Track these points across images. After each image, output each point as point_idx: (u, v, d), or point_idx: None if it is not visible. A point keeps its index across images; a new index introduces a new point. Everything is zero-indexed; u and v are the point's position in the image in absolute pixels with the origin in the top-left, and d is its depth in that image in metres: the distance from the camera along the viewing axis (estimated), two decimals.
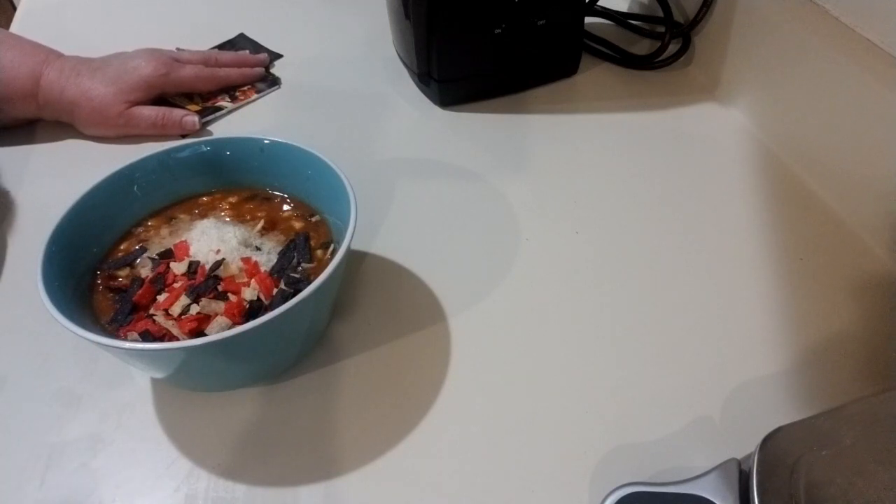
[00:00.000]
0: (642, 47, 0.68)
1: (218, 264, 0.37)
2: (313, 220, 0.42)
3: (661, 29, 0.64)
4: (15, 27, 0.74)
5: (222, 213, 0.43)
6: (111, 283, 0.39)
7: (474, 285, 0.44)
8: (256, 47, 0.69)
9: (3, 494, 0.34)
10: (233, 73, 0.63)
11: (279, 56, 0.68)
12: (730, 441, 0.36)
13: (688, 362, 0.40)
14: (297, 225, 0.42)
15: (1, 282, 0.45)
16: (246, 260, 0.38)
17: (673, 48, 0.64)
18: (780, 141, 0.55)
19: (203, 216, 0.43)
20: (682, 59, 0.65)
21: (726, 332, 0.41)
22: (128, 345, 0.31)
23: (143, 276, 0.38)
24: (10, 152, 0.56)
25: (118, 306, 0.37)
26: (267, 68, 0.66)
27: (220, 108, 0.60)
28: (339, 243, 0.40)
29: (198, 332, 0.35)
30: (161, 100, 0.59)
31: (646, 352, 0.40)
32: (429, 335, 0.41)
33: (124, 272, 0.39)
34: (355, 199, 0.38)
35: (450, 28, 0.56)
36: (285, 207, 0.44)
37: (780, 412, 0.37)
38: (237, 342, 0.32)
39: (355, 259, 0.46)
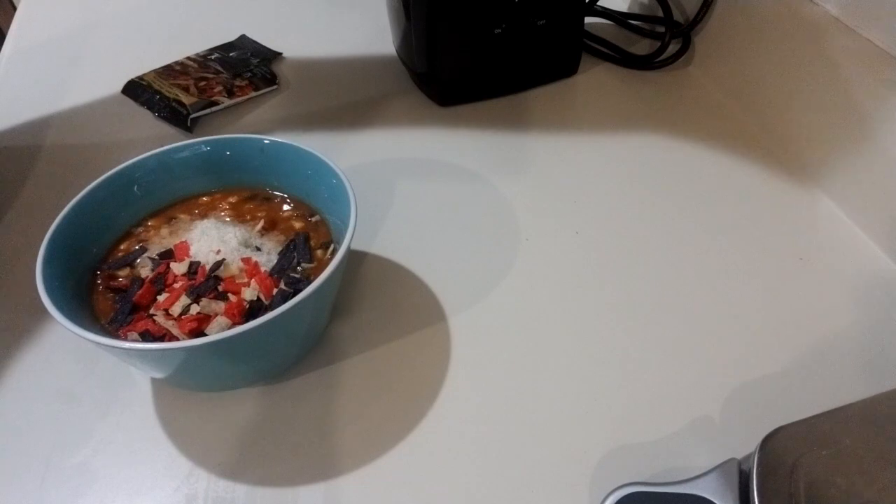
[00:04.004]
0: (642, 47, 0.68)
1: (218, 264, 0.38)
2: (313, 220, 0.42)
3: (661, 29, 0.64)
4: (15, 27, 0.74)
5: (222, 213, 0.43)
6: (111, 283, 0.39)
7: (474, 285, 0.44)
8: (257, 47, 0.69)
9: (4, 494, 0.34)
10: None
11: (279, 55, 0.68)
12: (730, 441, 0.36)
13: (688, 362, 0.40)
14: (297, 225, 0.42)
15: (1, 282, 0.45)
16: (246, 260, 0.38)
17: (673, 48, 0.64)
18: (779, 141, 0.55)
19: (203, 216, 0.43)
20: (682, 59, 0.65)
21: (726, 332, 0.41)
22: (128, 345, 0.31)
23: (143, 276, 0.38)
24: (10, 151, 0.56)
25: (118, 306, 0.37)
26: (268, 67, 0.66)
27: (215, 103, 0.60)
28: (339, 243, 0.40)
29: (198, 332, 0.35)
30: (154, 92, 0.59)
31: (645, 352, 0.40)
32: (429, 335, 0.41)
33: (124, 272, 0.39)
34: (355, 199, 0.38)
35: (450, 28, 0.56)
36: (285, 207, 0.44)
37: (780, 412, 0.37)
38: (237, 342, 0.32)
39: (355, 259, 0.46)
